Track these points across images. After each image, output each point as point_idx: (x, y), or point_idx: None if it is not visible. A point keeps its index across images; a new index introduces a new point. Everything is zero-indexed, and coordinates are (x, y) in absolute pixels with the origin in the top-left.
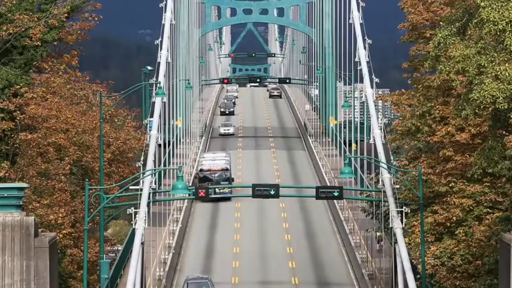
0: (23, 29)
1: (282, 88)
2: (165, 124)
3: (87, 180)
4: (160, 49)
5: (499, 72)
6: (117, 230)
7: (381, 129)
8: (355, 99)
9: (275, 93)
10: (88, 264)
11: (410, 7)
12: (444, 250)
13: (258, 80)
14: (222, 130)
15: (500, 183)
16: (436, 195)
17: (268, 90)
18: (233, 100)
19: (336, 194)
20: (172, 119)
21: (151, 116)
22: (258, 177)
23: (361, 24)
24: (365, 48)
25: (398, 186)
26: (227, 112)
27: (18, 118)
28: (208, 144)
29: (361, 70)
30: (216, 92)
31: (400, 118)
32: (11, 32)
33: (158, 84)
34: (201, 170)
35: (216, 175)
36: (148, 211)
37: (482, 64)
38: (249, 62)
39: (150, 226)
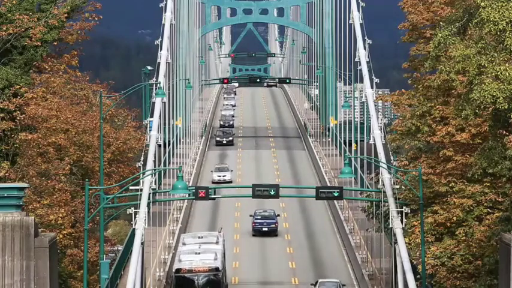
0: (23, 29)
1: (282, 88)
2: (165, 124)
3: (87, 180)
4: (160, 49)
5: (499, 72)
6: (117, 230)
7: (381, 129)
8: (355, 99)
9: (271, 83)
10: (88, 264)
11: (410, 7)
12: (444, 250)
13: (258, 80)
14: (216, 176)
15: (500, 183)
16: (436, 195)
17: (265, 82)
18: (231, 122)
19: (336, 194)
20: (172, 119)
21: (151, 116)
22: (258, 177)
23: (361, 24)
24: (365, 48)
25: (398, 186)
26: (224, 142)
27: (18, 118)
28: (208, 144)
29: (361, 70)
30: (216, 91)
31: (400, 118)
32: (11, 32)
33: (158, 85)
34: (177, 271)
35: (201, 278)
36: (148, 211)
37: (483, 64)
38: (249, 62)
39: (150, 226)
